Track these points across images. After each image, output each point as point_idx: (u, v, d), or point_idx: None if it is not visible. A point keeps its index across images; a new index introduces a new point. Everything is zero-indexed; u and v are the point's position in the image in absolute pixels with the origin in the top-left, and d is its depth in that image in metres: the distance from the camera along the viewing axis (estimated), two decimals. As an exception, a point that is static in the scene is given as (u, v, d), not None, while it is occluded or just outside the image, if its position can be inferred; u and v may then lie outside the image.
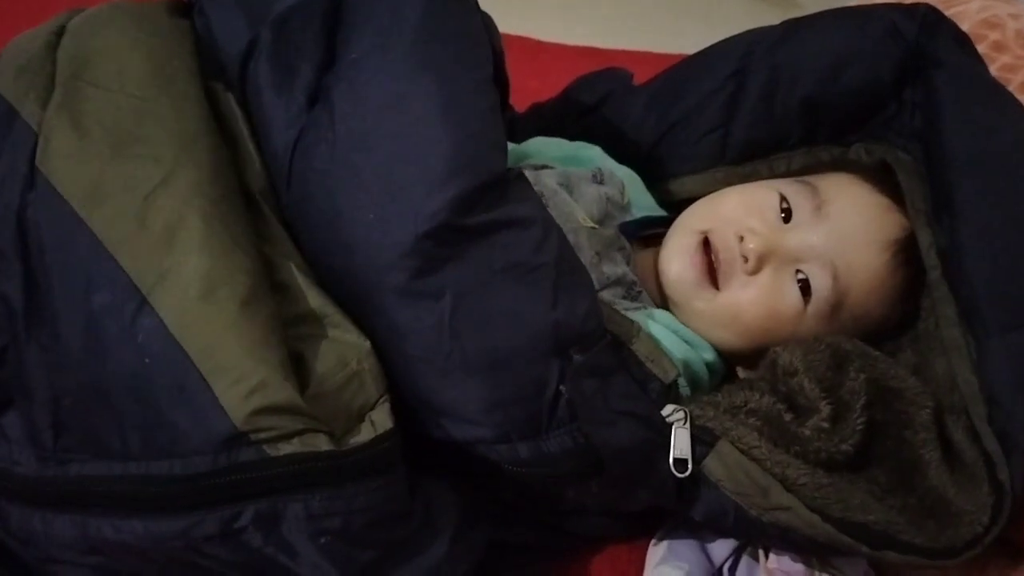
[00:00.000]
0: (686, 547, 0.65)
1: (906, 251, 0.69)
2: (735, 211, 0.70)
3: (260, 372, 0.52)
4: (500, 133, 0.58)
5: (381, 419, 0.55)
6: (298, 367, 0.55)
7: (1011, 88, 0.83)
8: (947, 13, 0.86)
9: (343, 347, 0.56)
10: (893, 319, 0.70)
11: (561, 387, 0.56)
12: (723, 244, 0.68)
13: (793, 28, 0.77)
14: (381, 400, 0.56)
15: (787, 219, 0.69)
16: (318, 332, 0.57)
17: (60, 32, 0.64)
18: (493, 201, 0.56)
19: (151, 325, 0.52)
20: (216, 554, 0.52)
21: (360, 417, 0.55)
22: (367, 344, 0.56)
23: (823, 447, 0.60)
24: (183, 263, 0.53)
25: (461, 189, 0.54)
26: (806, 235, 0.68)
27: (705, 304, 0.68)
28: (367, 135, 0.57)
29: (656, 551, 0.65)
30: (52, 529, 0.54)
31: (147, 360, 0.52)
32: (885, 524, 0.58)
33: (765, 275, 0.67)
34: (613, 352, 0.59)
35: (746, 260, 0.67)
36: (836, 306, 0.68)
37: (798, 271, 0.67)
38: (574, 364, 0.56)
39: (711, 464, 0.59)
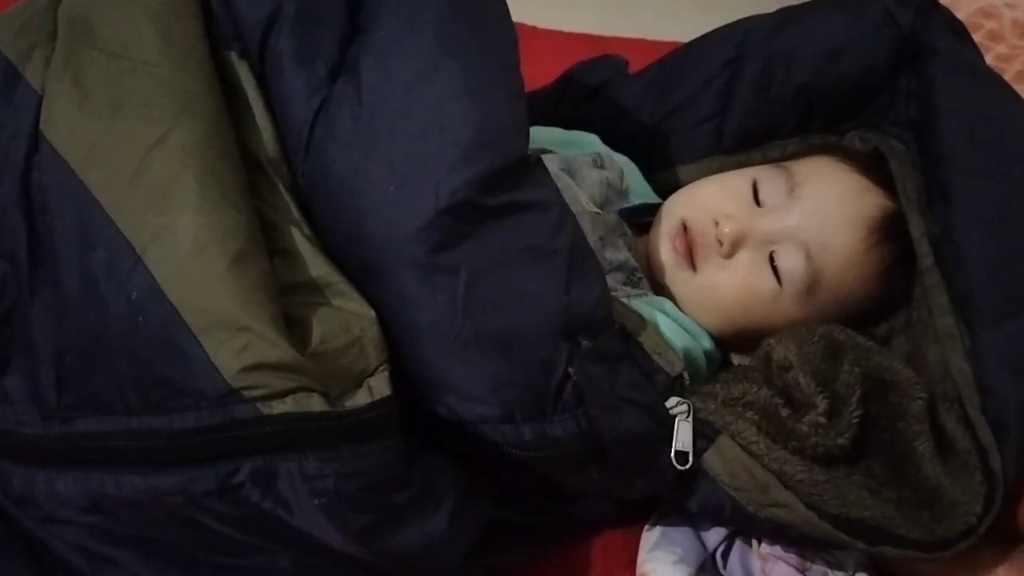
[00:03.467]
0: (679, 532, 0.65)
1: (886, 230, 0.69)
2: (711, 197, 0.71)
3: (251, 327, 0.52)
4: (524, 117, 0.58)
5: (379, 386, 0.55)
6: (299, 330, 0.55)
7: (1006, 77, 0.83)
8: (943, 1, 0.87)
9: (346, 314, 0.56)
10: (878, 298, 0.70)
11: (570, 369, 0.56)
12: (700, 229, 0.69)
13: (789, 16, 0.77)
14: (380, 368, 0.56)
15: (762, 203, 0.70)
16: (321, 300, 0.57)
17: None
18: (514, 182, 0.56)
19: (144, 283, 0.52)
20: (216, 508, 0.53)
21: (358, 382, 0.55)
22: (372, 313, 0.56)
23: (820, 441, 0.60)
24: (176, 221, 0.54)
25: (484, 167, 0.55)
26: (780, 217, 0.68)
27: (684, 286, 0.69)
28: (394, 109, 0.56)
29: (650, 536, 0.65)
30: (55, 487, 0.54)
31: (141, 318, 0.52)
32: (881, 519, 0.59)
33: (741, 257, 0.68)
34: (621, 341, 0.59)
35: (721, 244, 0.68)
36: (812, 285, 0.68)
37: (772, 252, 0.68)
38: (583, 349, 0.56)
39: (711, 458, 0.59)
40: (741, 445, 0.59)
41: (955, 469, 0.60)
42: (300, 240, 0.57)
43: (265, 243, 0.56)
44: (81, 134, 0.56)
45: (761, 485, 0.59)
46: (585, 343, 0.56)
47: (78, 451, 0.54)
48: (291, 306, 0.55)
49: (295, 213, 0.59)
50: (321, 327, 0.55)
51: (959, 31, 0.74)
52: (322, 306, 0.56)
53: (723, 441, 0.60)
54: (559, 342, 0.56)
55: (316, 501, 0.52)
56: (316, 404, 0.52)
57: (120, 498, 0.53)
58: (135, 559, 0.55)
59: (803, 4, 0.78)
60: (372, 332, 0.56)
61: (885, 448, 0.62)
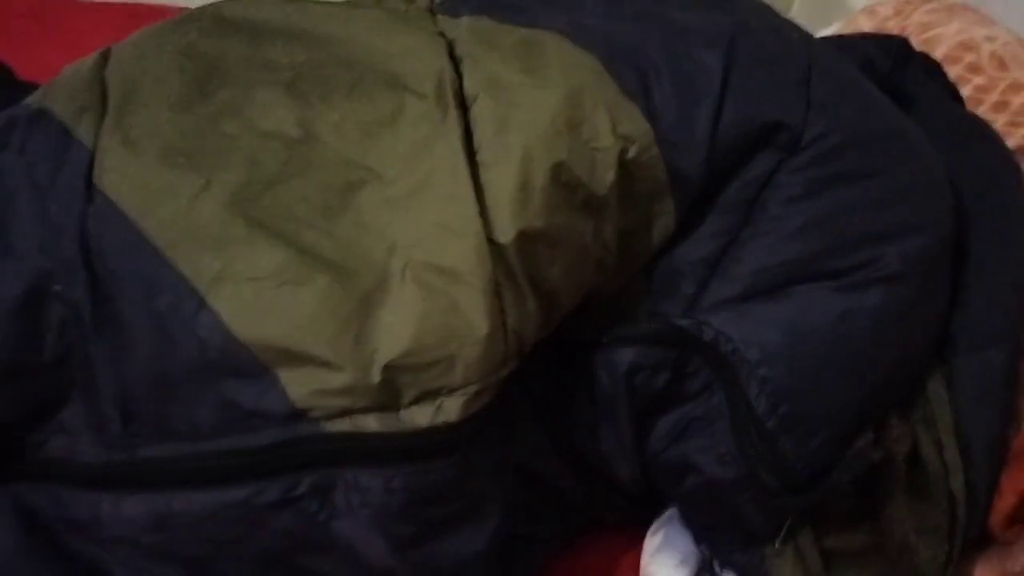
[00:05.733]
0: (680, 537, 0.70)
1: None
2: None
3: (312, 356, 0.56)
4: None
5: (450, 408, 0.56)
6: (389, 332, 0.56)
7: (983, 108, 0.89)
8: (926, 35, 0.93)
9: (459, 322, 0.57)
10: None
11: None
12: None
13: None
14: (463, 390, 0.57)
15: None
16: (451, 289, 0.58)
17: (106, 55, 0.69)
18: None
19: (211, 322, 0.57)
20: (274, 522, 0.58)
21: (432, 395, 0.57)
22: (483, 332, 0.57)
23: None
24: (232, 263, 0.58)
25: None
26: None
27: None
28: None
29: (653, 541, 0.71)
30: (120, 508, 0.59)
31: (210, 353, 0.57)
32: None
33: None
34: None
35: None
36: None
37: None
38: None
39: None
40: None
41: (923, 507, 0.65)
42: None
43: (340, 258, 0.59)
44: (133, 184, 0.61)
45: None
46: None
47: (145, 475, 0.59)
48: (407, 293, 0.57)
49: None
50: (413, 334, 0.56)
51: (935, 72, 0.81)
52: (444, 303, 0.57)
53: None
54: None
55: (366, 511, 0.57)
56: (372, 423, 0.56)
57: (187, 513, 0.58)
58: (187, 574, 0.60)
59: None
60: (472, 352, 0.56)
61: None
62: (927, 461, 0.66)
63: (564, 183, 0.62)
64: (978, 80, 0.91)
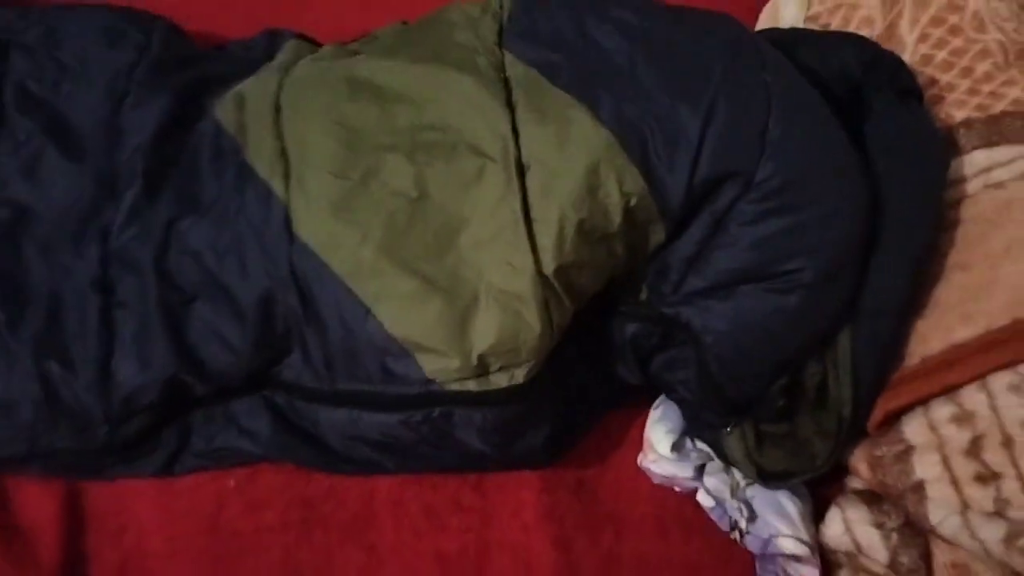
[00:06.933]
0: (673, 411, 1.07)
1: None
2: None
3: (436, 350, 0.95)
4: None
5: (519, 374, 0.95)
6: (482, 330, 0.94)
7: (952, 73, 1.06)
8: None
9: (523, 326, 0.93)
10: None
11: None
12: None
13: None
14: (527, 363, 0.94)
15: None
16: (518, 308, 0.93)
17: (278, 106, 1.01)
18: None
19: (375, 324, 0.95)
20: (420, 430, 0.99)
21: (507, 367, 0.95)
22: (537, 330, 0.93)
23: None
24: (383, 288, 0.95)
25: None
26: None
27: None
28: None
29: (655, 413, 1.07)
30: (332, 416, 1.01)
31: (374, 343, 0.96)
32: (785, 467, 1.00)
33: None
34: None
35: None
36: None
37: None
38: None
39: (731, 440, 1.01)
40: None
41: (822, 418, 0.99)
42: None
43: (448, 285, 0.95)
44: (318, 234, 0.96)
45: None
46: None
47: (343, 398, 1.00)
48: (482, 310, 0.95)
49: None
50: (496, 335, 0.93)
51: (901, 74, 1.02)
52: (514, 314, 0.93)
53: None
54: None
55: (472, 427, 0.98)
56: (472, 386, 0.96)
57: (371, 422, 1.00)
58: (372, 448, 1.04)
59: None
60: (531, 343, 0.92)
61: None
62: (830, 390, 1.00)
63: (587, 231, 0.95)
64: (955, 43, 1.07)
